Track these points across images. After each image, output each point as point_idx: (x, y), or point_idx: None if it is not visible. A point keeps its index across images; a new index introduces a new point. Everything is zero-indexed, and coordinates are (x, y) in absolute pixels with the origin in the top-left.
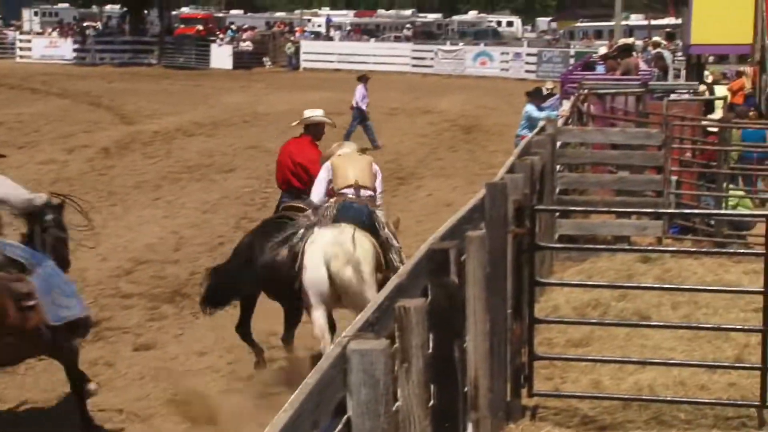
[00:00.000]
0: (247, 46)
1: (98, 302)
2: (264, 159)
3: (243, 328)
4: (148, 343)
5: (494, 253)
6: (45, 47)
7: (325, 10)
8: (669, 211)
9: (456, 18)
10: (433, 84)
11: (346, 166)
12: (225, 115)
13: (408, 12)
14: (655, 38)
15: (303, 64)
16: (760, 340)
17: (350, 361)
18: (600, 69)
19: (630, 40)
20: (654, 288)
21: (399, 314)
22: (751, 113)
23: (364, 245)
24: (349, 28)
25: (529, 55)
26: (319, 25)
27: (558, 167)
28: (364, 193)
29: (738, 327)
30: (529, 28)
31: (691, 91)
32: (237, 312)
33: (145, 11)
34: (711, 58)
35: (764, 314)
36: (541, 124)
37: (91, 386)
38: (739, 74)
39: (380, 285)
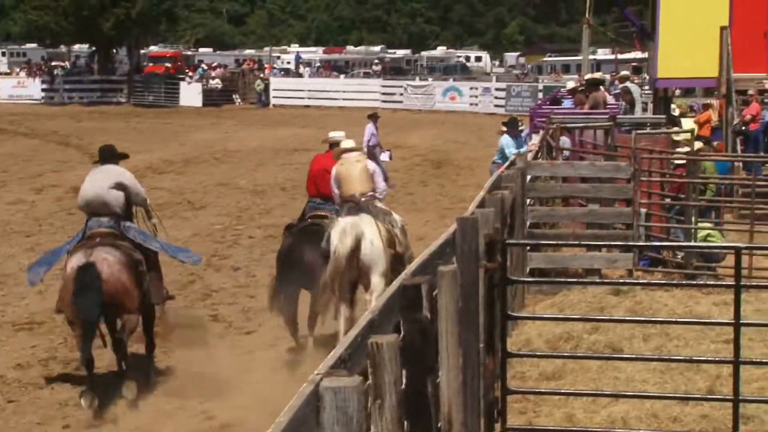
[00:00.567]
0: (216, 83)
1: (68, 343)
2: (235, 196)
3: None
4: (118, 384)
5: (466, 287)
6: (13, 87)
7: (294, 47)
8: (639, 244)
9: (425, 54)
10: (403, 119)
11: (348, 175)
12: (195, 152)
13: (377, 48)
14: (624, 72)
15: (273, 101)
16: (731, 372)
17: (323, 399)
18: (568, 103)
19: (598, 75)
20: (625, 320)
21: (372, 350)
22: (716, 143)
23: (376, 227)
24: (318, 64)
25: (497, 89)
26: (289, 62)
27: (528, 201)
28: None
29: (710, 359)
30: (497, 62)
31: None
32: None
33: (114, 50)
34: (677, 92)
35: (735, 346)
36: (511, 157)
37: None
38: (706, 107)
39: (393, 260)
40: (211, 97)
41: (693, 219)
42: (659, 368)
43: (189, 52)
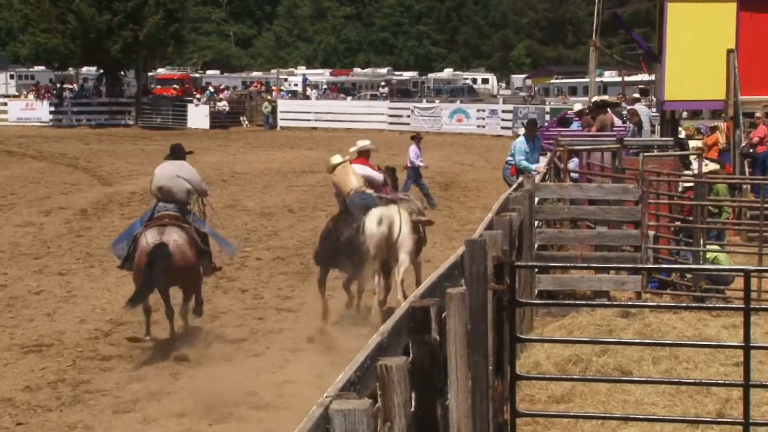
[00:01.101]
0: (224, 105)
1: (77, 365)
2: (242, 218)
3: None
4: (127, 406)
5: (475, 309)
6: (21, 110)
7: (302, 69)
8: (648, 266)
9: (432, 75)
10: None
11: (342, 179)
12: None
13: (384, 70)
14: (634, 95)
15: (280, 123)
16: (741, 395)
17: (333, 422)
18: (576, 125)
19: (606, 97)
20: (634, 343)
21: (381, 373)
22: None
23: (403, 214)
24: (325, 86)
25: (504, 111)
26: (296, 84)
27: (536, 223)
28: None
29: (719, 381)
30: (504, 84)
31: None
32: (216, 372)
33: (122, 72)
34: (684, 114)
35: (745, 368)
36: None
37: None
38: (713, 129)
39: (415, 244)
40: (218, 120)
41: (701, 241)
42: (669, 391)
43: (197, 75)
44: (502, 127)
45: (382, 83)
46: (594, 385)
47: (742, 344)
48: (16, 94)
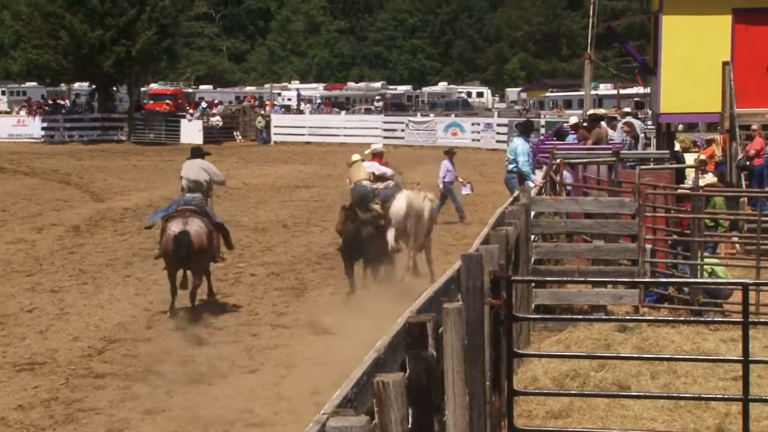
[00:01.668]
0: (217, 120)
1: (70, 383)
2: (236, 233)
3: (348, 271)
4: (121, 424)
5: (472, 324)
6: (13, 126)
7: (295, 84)
8: (645, 280)
9: (426, 89)
10: (405, 155)
11: (353, 173)
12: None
13: (378, 84)
14: (626, 109)
15: (274, 138)
16: (740, 409)
17: None
18: (571, 138)
19: (600, 110)
20: (632, 358)
21: (378, 389)
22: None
23: (427, 199)
24: (319, 101)
25: (499, 125)
26: (290, 99)
27: (533, 237)
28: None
29: (718, 396)
30: (498, 98)
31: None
32: (210, 389)
33: (114, 88)
34: (680, 127)
35: (744, 383)
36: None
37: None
38: (709, 142)
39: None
40: (211, 135)
41: (699, 255)
42: (667, 406)
43: (190, 90)
44: (497, 141)
45: (377, 97)
46: (592, 401)
47: (741, 358)
48: (8, 110)
